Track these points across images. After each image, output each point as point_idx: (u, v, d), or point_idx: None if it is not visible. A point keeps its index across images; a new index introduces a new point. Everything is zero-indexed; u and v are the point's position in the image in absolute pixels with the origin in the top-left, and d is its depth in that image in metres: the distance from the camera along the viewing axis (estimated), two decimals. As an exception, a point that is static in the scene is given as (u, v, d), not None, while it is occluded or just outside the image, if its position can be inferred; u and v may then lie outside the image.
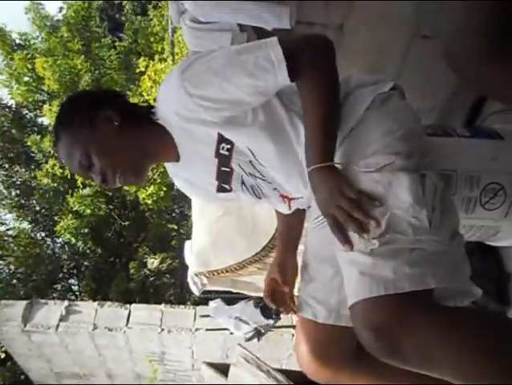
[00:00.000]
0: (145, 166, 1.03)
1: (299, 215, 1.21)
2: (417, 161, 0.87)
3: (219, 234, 2.26)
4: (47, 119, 6.55)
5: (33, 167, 7.53)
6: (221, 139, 0.98)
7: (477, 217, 1.18)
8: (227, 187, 1.09)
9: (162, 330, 4.20)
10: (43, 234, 7.75)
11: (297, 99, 0.97)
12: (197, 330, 4.17)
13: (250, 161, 1.02)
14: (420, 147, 0.91)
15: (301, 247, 1.20)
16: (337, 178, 0.87)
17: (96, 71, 6.73)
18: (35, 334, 4.35)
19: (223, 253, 2.34)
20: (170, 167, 1.14)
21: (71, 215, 6.27)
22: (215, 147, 0.99)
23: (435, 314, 0.76)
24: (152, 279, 7.66)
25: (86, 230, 6.32)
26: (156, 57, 6.35)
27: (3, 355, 5.27)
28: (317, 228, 1.09)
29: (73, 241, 6.33)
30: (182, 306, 4.46)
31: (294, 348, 1.07)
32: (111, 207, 7.11)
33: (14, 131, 7.55)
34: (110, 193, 6.79)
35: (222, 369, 3.30)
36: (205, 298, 3.86)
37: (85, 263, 7.73)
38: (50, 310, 4.41)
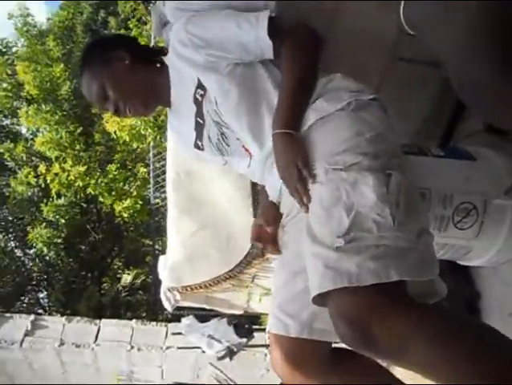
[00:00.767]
0: (152, 100, 1.18)
1: None
2: (384, 162, 0.90)
3: (194, 249, 2.22)
4: (23, 122, 6.43)
5: (6, 175, 7.36)
6: (198, 85, 1.08)
7: (449, 236, 1.20)
8: (200, 144, 1.19)
9: (132, 347, 4.09)
10: (13, 244, 7.53)
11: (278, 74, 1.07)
12: (167, 348, 4.08)
13: (215, 110, 1.09)
14: (388, 150, 0.94)
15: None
16: (295, 147, 0.97)
17: (75, 80, 6.67)
18: (-2, 349, 4.19)
19: (197, 268, 2.31)
20: (169, 113, 1.27)
21: (44, 224, 6.13)
22: (193, 91, 1.09)
23: (407, 306, 0.78)
24: (124, 294, 7.49)
25: (59, 240, 6.18)
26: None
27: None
28: (289, 235, 1.10)
29: (45, 250, 6.17)
30: (154, 323, 4.37)
31: (270, 353, 1.08)
32: (85, 218, 6.97)
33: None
34: (85, 205, 6.67)
35: (192, 389, 3.23)
36: (177, 315, 3.79)
37: (55, 275, 7.51)
38: (15, 325, 4.26)
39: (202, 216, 2.11)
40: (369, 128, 0.94)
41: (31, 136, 7.17)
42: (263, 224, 1.16)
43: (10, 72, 6.71)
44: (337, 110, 0.97)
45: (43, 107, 6.12)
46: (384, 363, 1.07)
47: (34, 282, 7.61)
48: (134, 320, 4.34)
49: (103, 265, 7.69)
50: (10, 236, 7.43)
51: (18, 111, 6.52)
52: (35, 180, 6.02)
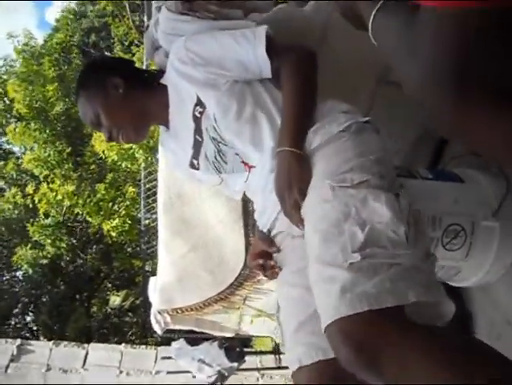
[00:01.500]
0: (145, 126, 1.21)
1: None
2: (389, 183, 0.90)
3: (184, 271, 2.20)
4: (10, 139, 6.40)
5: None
6: (197, 102, 1.09)
7: (438, 257, 1.20)
8: (195, 163, 1.19)
9: (121, 372, 4.00)
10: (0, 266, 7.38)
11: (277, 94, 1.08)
12: (157, 372, 4.00)
13: (213, 126, 1.10)
14: (389, 172, 0.94)
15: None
16: (300, 168, 0.97)
17: (67, 99, 6.68)
18: (-18, 375, 4.07)
19: (188, 289, 2.28)
20: (162, 133, 1.29)
21: (30, 245, 6.04)
22: (192, 108, 1.10)
23: (413, 329, 0.76)
24: (113, 317, 7.36)
25: (45, 261, 6.08)
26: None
27: None
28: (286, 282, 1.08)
29: (30, 272, 6.07)
30: (143, 347, 4.29)
31: None
32: (73, 240, 6.88)
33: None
34: (72, 225, 6.60)
35: (182, 415, 3.15)
36: (167, 338, 3.72)
37: (42, 298, 7.37)
38: (0, 350, 4.14)
39: (193, 238, 2.10)
40: (371, 151, 0.95)
41: (23, 154, 7.14)
42: (265, 247, 1.15)
43: (1, 91, 6.71)
44: (339, 131, 0.98)
45: (32, 125, 6.12)
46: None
47: (20, 305, 7.44)
48: (123, 344, 4.26)
49: (91, 287, 7.56)
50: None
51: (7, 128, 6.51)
52: (23, 200, 5.96)
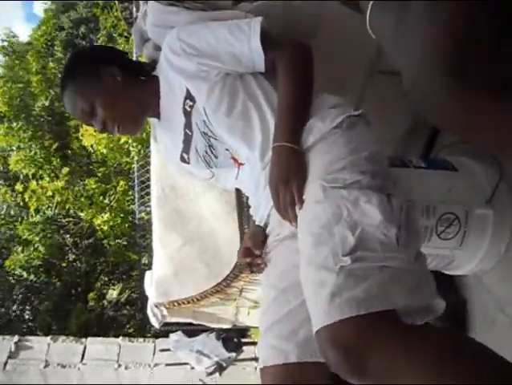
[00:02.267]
0: (142, 118, 1.18)
1: None
2: (382, 182, 0.89)
3: (180, 264, 2.20)
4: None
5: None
6: (187, 95, 1.07)
7: (432, 246, 1.21)
8: (186, 157, 1.17)
9: (119, 365, 4.01)
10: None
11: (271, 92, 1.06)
12: (156, 365, 4.01)
13: (204, 121, 1.08)
14: (383, 170, 0.94)
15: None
16: (298, 166, 0.95)
17: (50, 89, 6.56)
18: (-20, 373, 4.07)
19: (184, 282, 2.28)
20: (154, 127, 1.27)
21: (20, 248, 5.97)
22: (182, 101, 1.08)
23: (401, 332, 0.77)
24: (110, 311, 7.36)
25: (38, 262, 6.02)
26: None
27: None
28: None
29: (25, 275, 6.01)
30: (141, 340, 4.29)
31: None
32: (64, 235, 6.82)
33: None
34: (64, 220, 6.54)
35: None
36: (165, 331, 3.73)
37: (40, 296, 7.33)
38: (-1, 346, 4.15)
39: (188, 231, 2.09)
40: (364, 147, 0.94)
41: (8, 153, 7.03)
42: (251, 247, 1.13)
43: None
44: (332, 128, 0.96)
45: (14, 124, 6.02)
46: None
47: (17, 303, 7.40)
48: (121, 337, 4.26)
49: (87, 282, 7.54)
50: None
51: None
52: (13, 198, 5.90)
